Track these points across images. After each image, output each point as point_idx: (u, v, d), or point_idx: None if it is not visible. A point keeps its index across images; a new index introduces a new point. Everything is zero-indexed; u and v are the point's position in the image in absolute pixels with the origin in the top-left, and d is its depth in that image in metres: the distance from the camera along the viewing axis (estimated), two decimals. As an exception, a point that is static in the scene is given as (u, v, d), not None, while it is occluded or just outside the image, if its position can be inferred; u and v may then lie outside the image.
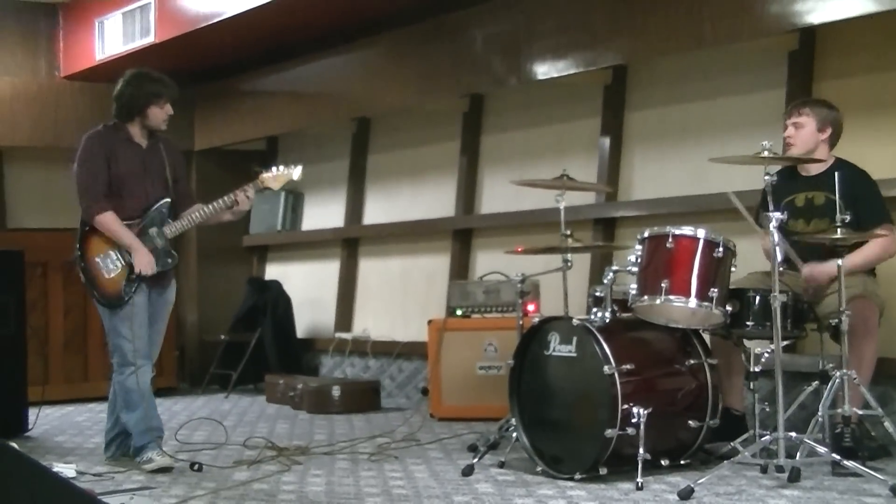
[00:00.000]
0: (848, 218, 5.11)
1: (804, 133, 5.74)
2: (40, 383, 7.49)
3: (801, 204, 5.74)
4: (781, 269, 5.15)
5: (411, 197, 9.31)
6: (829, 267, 5.41)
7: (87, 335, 9.03)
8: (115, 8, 9.59)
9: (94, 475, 5.63)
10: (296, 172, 6.09)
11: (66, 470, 5.54)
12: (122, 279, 5.84)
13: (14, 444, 4.20)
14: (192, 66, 9.76)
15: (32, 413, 7.17)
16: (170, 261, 5.95)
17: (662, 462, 5.28)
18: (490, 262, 8.03)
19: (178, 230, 5.97)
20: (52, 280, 8.90)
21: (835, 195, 5.21)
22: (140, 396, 5.85)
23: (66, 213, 9.11)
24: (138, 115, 5.91)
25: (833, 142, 5.79)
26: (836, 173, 5.28)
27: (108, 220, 5.83)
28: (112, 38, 9.63)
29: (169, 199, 5.98)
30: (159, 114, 5.93)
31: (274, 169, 6.11)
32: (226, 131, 10.47)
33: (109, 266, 5.86)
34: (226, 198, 5.98)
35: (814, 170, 5.75)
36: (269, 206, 10.39)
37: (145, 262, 5.82)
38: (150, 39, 9.21)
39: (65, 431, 7.34)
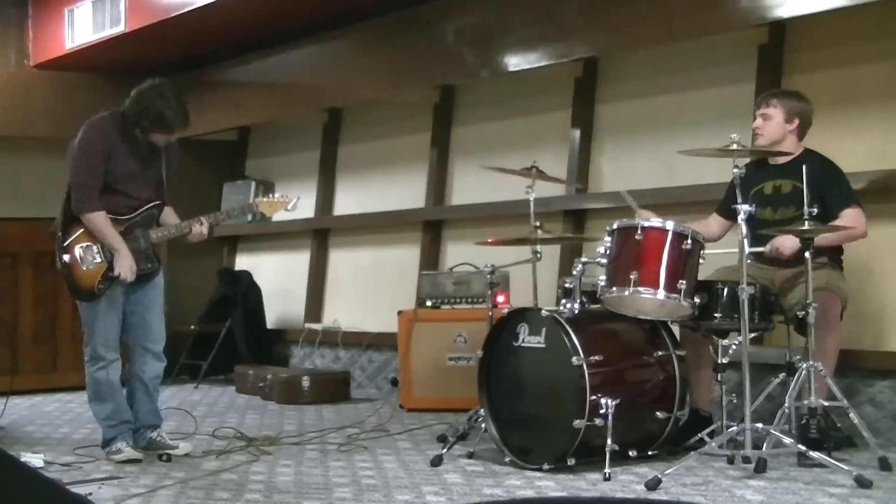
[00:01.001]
0: (816, 210, 5.14)
1: (771, 124, 5.79)
2: (9, 373, 7.47)
3: (768, 192, 5.78)
4: (749, 260, 5.18)
5: (382, 188, 9.31)
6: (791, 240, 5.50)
7: (56, 326, 8.99)
8: (85, -4, 9.55)
9: (62, 465, 5.61)
10: (291, 203, 6.16)
11: (33, 459, 5.53)
12: (98, 273, 5.74)
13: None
14: (162, 56, 9.70)
15: (0, 403, 7.14)
16: (149, 265, 5.87)
17: (630, 453, 5.31)
18: (460, 254, 8.03)
19: (161, 237, 5.93)
20: (21, 270, 8.85)
21: (802, 183, 5.24)
22: (109, 390, 5.84)
23: (36, 202, 9.09)
24: (141, 132, 5.81)
25: (801, 132, 5.83)
26: (804, 163, 5.33)
27: (98, 220, 5.71)
28: (82, 27, 9.56)
29: (159, 202, 5.91)
30: (161, 139, 5.84)
31: (271, 196, 6.13)
32: (197, 122, 10.17)
33: (88, 258, 5.73)
34: (191, 221, 5.94)
35: (782, 159, 5.78)
36: (240, 197, 10.35)
37: (126, 268, 5.72)
38: (121, 29, 9.14)
39: (33, 421, 7.31)
